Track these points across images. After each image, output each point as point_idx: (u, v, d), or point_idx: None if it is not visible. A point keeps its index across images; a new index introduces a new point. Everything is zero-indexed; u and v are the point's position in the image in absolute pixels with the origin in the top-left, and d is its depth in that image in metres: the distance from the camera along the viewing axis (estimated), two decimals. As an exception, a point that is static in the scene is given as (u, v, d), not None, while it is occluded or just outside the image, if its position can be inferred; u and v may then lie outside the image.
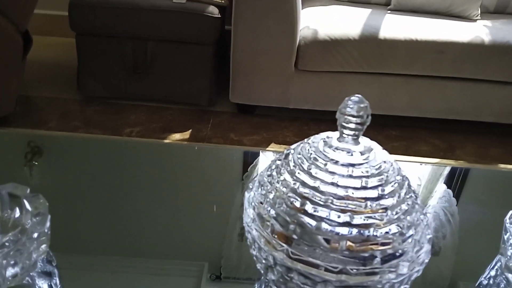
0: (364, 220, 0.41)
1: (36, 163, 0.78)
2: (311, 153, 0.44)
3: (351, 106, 0.42)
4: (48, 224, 0.49)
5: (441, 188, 0.81)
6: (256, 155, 0.93)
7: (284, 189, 0.44)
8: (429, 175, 0.86)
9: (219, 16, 1.70)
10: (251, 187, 0.49)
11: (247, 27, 1.64)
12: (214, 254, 0.63)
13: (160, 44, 1.72)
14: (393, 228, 0.42)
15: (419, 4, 1.83)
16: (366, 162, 0.43)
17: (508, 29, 1.73)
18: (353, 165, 0.43)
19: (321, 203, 0.42)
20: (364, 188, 0.41)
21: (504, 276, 0.56)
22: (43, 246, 0.49)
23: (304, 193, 0.43)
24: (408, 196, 0.43)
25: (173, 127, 1.72)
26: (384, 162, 0.44)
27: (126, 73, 1.77)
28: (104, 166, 0.80)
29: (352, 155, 0.44)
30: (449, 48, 1.65)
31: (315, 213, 0.42)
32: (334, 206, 0.41)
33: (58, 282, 0.54)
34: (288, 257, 0.42)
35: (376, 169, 0.42)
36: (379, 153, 0.45)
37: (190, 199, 0.73)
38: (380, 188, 0.42)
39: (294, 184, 0.44)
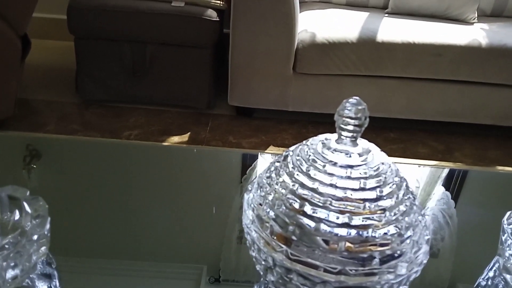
0: (362, 221, 0.41)
1: (34, 166, 0.78)
2: (309, 155, 0.45)
3: (349, 108, 0.42)
4: (48, 226, 0.49)
5: (439, 190, 0.81)
6: (255, 157, 0.94)
7: (283, 191, 0.44)
8: (427, 177, 0.87)
9: (218, 19, 1.70)
10: (250, 188, 0.50)
11: (245, 30, 1.64)
12: (213, 257, 0.63)
13: (158, 47, 1.73)
14: (392, 229, 0.42)
15: (416, 7, 1.84)
16: (364, 164, 0.43)
17: (505, 32, 1.75)
18: (351, 166, 0.43)
19: (320, 204, 0.42)
20: (363, 189, 0.42)
21: (502, 277, 0.56)
22: (43, 248, 0.49)
23: (303, 194, 0.43)
24: (406, 197, 0.44)
25: (172, 130, 1.72)
26: (382, 163, 0.44)
27: (125, 76, 1.78)
28: (102, 169, 0.80)
29: (350, 156, 0.44)
30: (446, 51, 1.66)
31: (314, 215, 0.42)
32: (333, 208, 0.42)
33: (57, 284, 0.54)
34: (288, 258, 0.42)
35: (374, 171, 0.43)
36: (377, 155, 0.45)
37: (189, 202, 0.73)
38: (378, 189, 0.42)
39: (293, 185, 0.44)
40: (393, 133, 1.81)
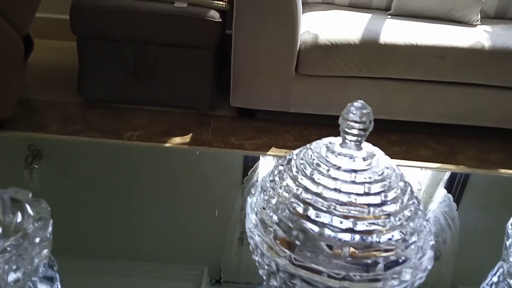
0: (367, 226, 0.41)
1: (36, 166, 0.78)
2: (313, 159, 0.44)
3: (354, 112, 0.42)
4: (50, 229, 0.49)
5: (441, 192, 0.81)
6: (257, 159, 0.93)
7: (287, 195, 0.44)
8: (430, 179, 0.86)
9: (220, 20, 1.70)
10: (253, 192, 0.49)
11: (247, 31, 1.64)
12: (214, 258, 0.63)
13: (161, 48, 1.73)
14: (396, 235, 0.41)
15: (419, 9, 1.84)
16: (369, 168, 0.43)
17: (508, 34, 1.74)
18: (355, 171, 0.43)
19: (324, 209, 0.42)
20: (367, 194, 0.41)
21: (506, 283, 0.56)
22: (45, 251, 0.49)
23: (307, 198, 0.43)
24: (411, 202, 0.43)
25: (174, 131, 1.72)
26: (387, 168, 0.44)
27: (127, 77, 1.78)
28: (104, 170, 0.80)
29: (354, 161, 0.44)
30: (449, 53, 1.65)
31: (318, 219, 0.42)
32: (337, 212, 0.41)
33: (59, 287, 0.53)
34: (291, 264, 0.42)
35: (379, 175, 0.42)
36: (381, 159, 0.45)
37: (190, 203, 0.73)
38: (383, 194, 0.42)
39: (296, 189, 0.44)
40: (395, 135, 1.81)
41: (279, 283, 0.44)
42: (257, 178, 0.78)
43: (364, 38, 1.65)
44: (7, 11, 1.41)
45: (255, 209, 0.47)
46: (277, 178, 0.46)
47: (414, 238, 0.42)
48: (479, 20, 1.84)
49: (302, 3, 1.79)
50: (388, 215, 0.41)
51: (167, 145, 1.64)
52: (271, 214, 0.44)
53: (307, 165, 0.44)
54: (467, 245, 0.70)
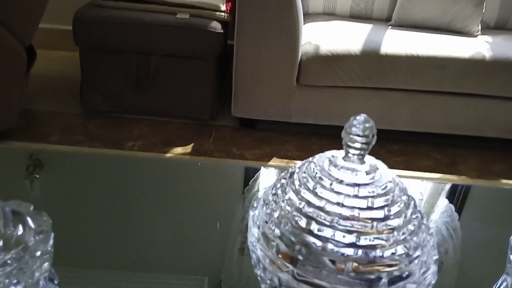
0: (370, 241, 0.41)
1: (37, 176, 0.78)
2: (316, 172, 0.44)
3: (356, 125, 0.42)
4: (51, 242, 0.49)
5: (443, 203, 0.81)
6: (258, 169, 0.93)
7: (289, 208, 0.44)
8: (431, 189, 0.86)
9: (222, 31, 1.71)
10: (255, 205, 0.49)
11: (249, 42, 1.65)
12: (215, 268, 0.63)
13: (163, 58, 1.74)
14: (400, 249, 0.41)
15: (420, 20, 1.85)
16: (372, 182, 0.43)
17: (509, 45, 1.75)
18: (358, 185, 0.42)
19: (327, 223, 0.42)
20: (370, 208, 0.41)
21: (511, 297, 0.55)
22: (46, 264, 0.48)
23: (310, 212, 0.43)
24: (414, 216, 0.43)
25: (175, 141, 1.72)
26: (390, 181, 0.43)
27: (129, 87, 1.78)
28: (105, 181, 0.80)
29: (357, 174, 0.43)
30: (450, 63, 1.66)
31: (320, 233, 0.42)
32: (340, 227, 0.41)
33: (59, 300, 0.53)
34: (294, 278, 0.42)
35: (382, 189, 0.42)
36: (384, 173, 0.44)
37: (191, 213, 0.73)
38: (386, 208, 0.41)
39: (299, 203, 0.43)
40: (397, 146, 1.81)
41: (281, 298, 0.44)
42: (258, 188, 0.78)
43: (365, 48, 1.65)
44: (10, 21, 1.42)
45: (257, 222, 0.47)
46: (279, 192, 0.46)
47: (418, 253, 0.42)
48: (480, 31, 1.84)
49: (304, 14, 1.81)
50: (392, 229, 0.41)
51: (168, 155, 1.64)
52: (274, 228, 0.44)
53: (309, 179, 0.44)
54: (469, 256, 0.70)
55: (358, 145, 0.42)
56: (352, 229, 0.41)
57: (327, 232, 0.41)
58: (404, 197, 0.43)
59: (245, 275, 0.61)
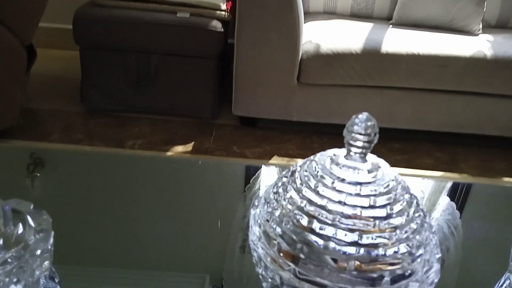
0: (372, 239, 0.40)
1: (38, 174, 0.78)
2: (318, 171, 0.44)
3: (358, 124, 0.42)
4: (51, 240, 0.48)
5: (444, 200, 0.80)
6: (259, 167, 0.93)
7: (291, 207, 0.44)
8: (432, 187, 0.86)
9: (222, 30, 1.71)
10: (256, 204, 0.49)
11: (250, 40, 1.65)
12: (216, 266, 0.62)
13: (163, 57, 1.73)
14: (402, 248, 0.41)
15: (421, 19, 1.84)
16: (374, 181, 0.42)
17: (510, 43, 1.74)
18: (360, 183, 0.42)
19: (329, 222, 0.41)
20: (372, 207, 0.41)
21: (513, 295, 0.55)
22: (46, 263, 0.48)
23: (311, 211, 0.42)
24: (417, 215, 0.43)
25: (176, 140, 1.71)
26: (392, 180, 0.43)
27: (130, 86, 1.78)
28: (106, 179, 0.79)
29: (359, 173, 0.43)
30: (451, 62, 1.65)
31: (322, 232, 0.41)
32: (342, 225, 0.41)
33: (60, 299, 0.53)
34: (295, 277, 0.41)
35: (385, 188, 0.42)
36: (386, 171, 0.44)
37: (192, 211, 0.73)
38: (388, 207, 0.41)
39: (301, 202, 0.43)
40: (398, 144, 1.80)
41: (283, 297, 0.43)
42: (259, 186, 0.78)
43: (366, 47, 1.65)
44: (11, 21, 1.42)
45: (259, 221, 0.46)
46: (280, 190, 0.46)
47: (420, 251, 0.42)
48: (481, 30, 1.84)
49: (304, 13, 1.80)
50: (394, 228, 0.41)
51: (169, 153, 1.63)
52: (275, 226, 0.44)
53: (311, 177, 0.44)
54: (471, 254, 0.70)
55: (360, 144, 0.42)
56: (354, 227, 0.41)
57: (329, 231, 0.41)
58: (407, 196, 0.43)
59: (246, 273, 0.61)
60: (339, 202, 0.41)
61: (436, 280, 0.44)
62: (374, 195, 0.41)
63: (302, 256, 0.41)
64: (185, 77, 1.76)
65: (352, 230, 0.41)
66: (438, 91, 1.72)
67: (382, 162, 0.45)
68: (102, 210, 0.71)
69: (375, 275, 0.40)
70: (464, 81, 1.68)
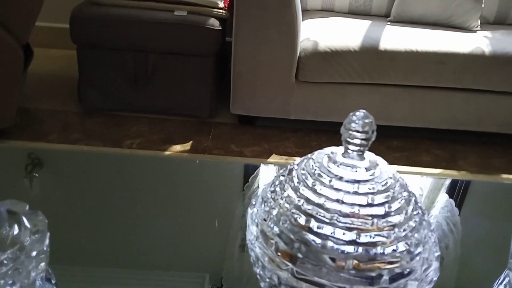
0: (370, 238, 0.40)
1: (36, 174, 0.78)
2: (315, 169, 0.44)
3: (356, 121, 0.41)
4: (47, 241, 0.48)
5: (443, 198, 0.80)
6: (257, 165, 0.93)
7: (288, 206, 0.43)
8: (431, 185, 0.86)
9: (220, 28, 1.70)
10: (254, 203, 0.48)
11: (247, 39, 1.64)
12: (215, 265, 0.62)
13: (161, 56, 1.73)
14: (401, 246, 0.41)
15: (419, 16, 1.84)
16: (372, 179, 0.42)
17: (508, 40, 1.74)
18: (358, 181, 0.42)
19: (326, 220, 0.41)
20: (371, 205, 0.41)
21: (513, 293, 0.55)
22: (42, 264, 0.48)
23: (309, 210, 0.42)
24: (415, 213, 0.42)
25: (174, 139, 1.71)
26: (390, 178, 0.43)
27: (127, 85, 1.77)
28: (104, 179, 0.79)
29: (357, 171, 0.43)
30: (449, 59, 1.65)
31: (320, 231, 0.41)
32: (340, 224, 0.41)
33: (57, 301, 0.52)
34: (293, 277, 0.41)
35: (383, 186, 0.42)
36: (384, 169, 0.44)
37: (191, 210, 0.72)
38: (386, 205, 0.41)
39: (298, 200, 0.43)
40: (396, 141, 1.80)
41: (281, 297, 0.43)
42: (258, 185, 0.78)
43: (364, 44, 1.64)
44: (7, 20, 1.41)
45: (256, 220, 0.46)
46: (278, 189, 0.46)
47: (419, 250, 0.41)
48: (479, 26, 1.83)
49: (302, 10, 1.80)
50: (393, 226, 0.41)
51: (167, 153, 1.63)
52: (272, 225, 0.44)
53: (308, 176, 0.43)
54: (470, 251, 0.69)
55: (357, 141, 0.42)
56: (352, 226, 0.40)
57: (326, 230, 0.41)
58: (405, 193, 0.43)
59: (246, 271, 0.60)
60: (337, 201, 0.41)
61: (435, 278, 0.43)
62: (372, 193, 0.41)
63: (300, 255, 0.41)
64: (183, 75, 1.76)
65: (350, 229, 0.40)
66: (436, 88, 1.72)
67: (380, 159, 0.45)
68: (100, 210, 0.71)
69: (373, 274, 0.40)
70: (463, 78, 1.68)
